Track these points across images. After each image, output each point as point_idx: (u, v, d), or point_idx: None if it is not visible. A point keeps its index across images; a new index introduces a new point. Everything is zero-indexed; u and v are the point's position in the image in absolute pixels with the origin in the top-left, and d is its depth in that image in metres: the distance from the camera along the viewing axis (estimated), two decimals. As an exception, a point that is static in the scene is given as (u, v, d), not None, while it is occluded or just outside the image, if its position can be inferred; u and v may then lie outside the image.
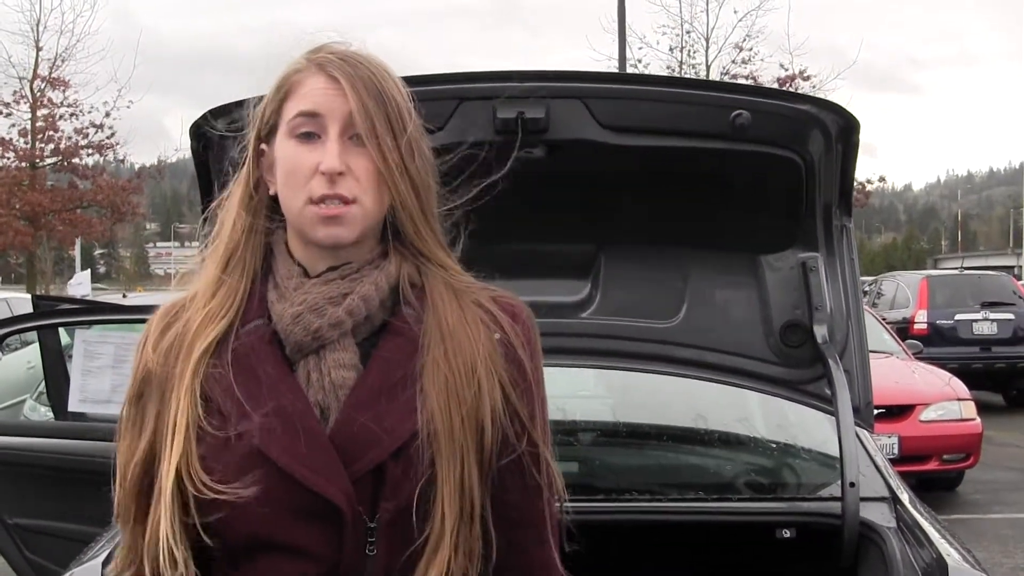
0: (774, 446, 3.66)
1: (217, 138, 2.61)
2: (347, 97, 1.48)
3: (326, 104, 1.49)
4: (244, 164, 1.57)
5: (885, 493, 2.83)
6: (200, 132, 2.67)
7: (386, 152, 1.49)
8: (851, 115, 2.71)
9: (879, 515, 2.70)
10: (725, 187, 2.83)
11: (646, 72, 23.57)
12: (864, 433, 3.01)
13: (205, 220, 1.65)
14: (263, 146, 1.56)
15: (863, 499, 2.65)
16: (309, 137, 1.49)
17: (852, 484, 2.59)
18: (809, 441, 3.49)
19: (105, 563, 2.36)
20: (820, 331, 2.86)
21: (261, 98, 1.58)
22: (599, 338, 3.03)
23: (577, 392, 4.27)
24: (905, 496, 2.84)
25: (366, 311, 1.51)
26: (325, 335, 1.49)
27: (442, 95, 2.49)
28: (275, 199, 1.55)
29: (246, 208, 1.55)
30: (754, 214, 2.91)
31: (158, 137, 51.40)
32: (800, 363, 2.95)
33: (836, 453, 2.67)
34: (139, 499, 1.50)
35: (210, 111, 2.63)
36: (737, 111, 2.60)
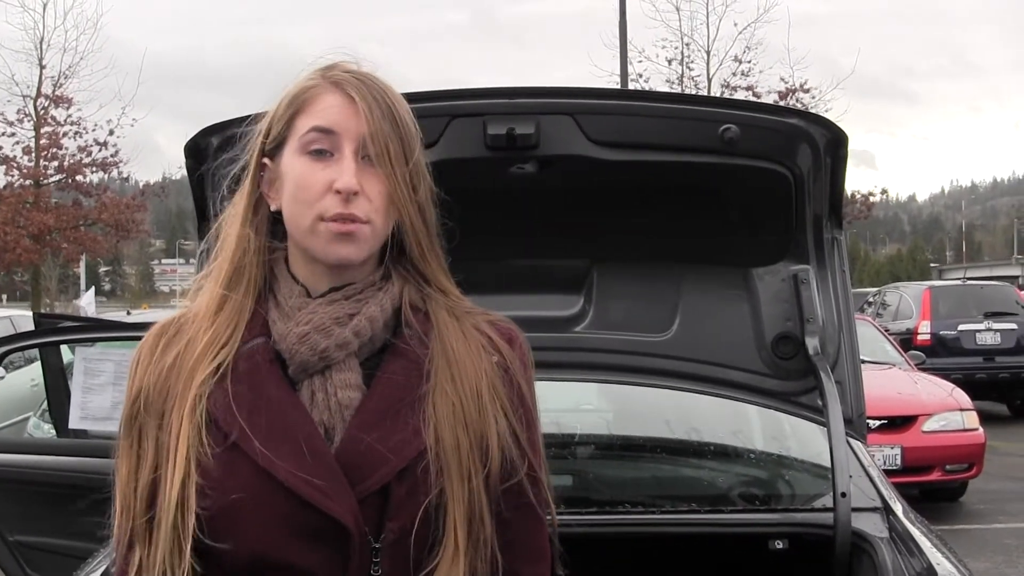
0: (767, 458, 3.67)
1: (212, 156, 2.64)
2: (363, 118, 1.48)
3: (342, 123, 1.48)
4: (245, 179, 1.56)
5: (878, 503, 2.84)
6: (196, 150, 2.68)
7: (398, 176, 1.49)
8: (839, 128, 2.73)
9: (871, 525, 2.71)
10: (716, 201, 2.85)
11: (647, 86, 23.57)
12: (858, 444, 3.02)
13: (203, 239, 1.64)
14: (266, 161, 1.54)
15: (855, 509, 2.66)
16: (321, 154, 1.48)
17: (843, 494, 2.60)
18: (803, 452, 3.50)
19: None
20: (812, 343, 2.88)
21: (261, 114, 1.57)
22: (593, 352, 3.05)
23: (571, 406, 4.28)
24: (898, 506, 2.85)
25: (371, 332, 1.51)
26: (332, 356, 1.48)
27: (433, 112, 2.51)
28: (276, 216, 1.54)
29: (249, 225, 1.54)
30: (745, 227, 2.93)
31: (151, 153, 51.45)
32: (792, 375, 2.97)
33: (829, 464, 2.68)
34: (148, 526, 1.47)
35: (205, 128, 2.65)
36: (726, 125, 2.62)
